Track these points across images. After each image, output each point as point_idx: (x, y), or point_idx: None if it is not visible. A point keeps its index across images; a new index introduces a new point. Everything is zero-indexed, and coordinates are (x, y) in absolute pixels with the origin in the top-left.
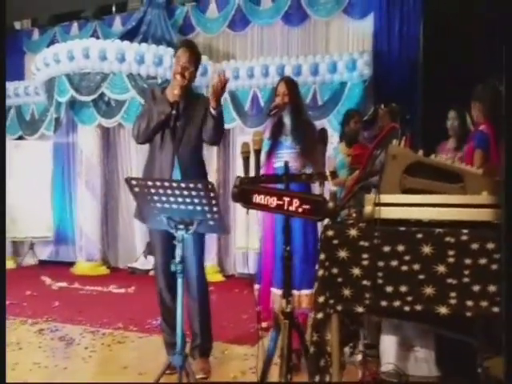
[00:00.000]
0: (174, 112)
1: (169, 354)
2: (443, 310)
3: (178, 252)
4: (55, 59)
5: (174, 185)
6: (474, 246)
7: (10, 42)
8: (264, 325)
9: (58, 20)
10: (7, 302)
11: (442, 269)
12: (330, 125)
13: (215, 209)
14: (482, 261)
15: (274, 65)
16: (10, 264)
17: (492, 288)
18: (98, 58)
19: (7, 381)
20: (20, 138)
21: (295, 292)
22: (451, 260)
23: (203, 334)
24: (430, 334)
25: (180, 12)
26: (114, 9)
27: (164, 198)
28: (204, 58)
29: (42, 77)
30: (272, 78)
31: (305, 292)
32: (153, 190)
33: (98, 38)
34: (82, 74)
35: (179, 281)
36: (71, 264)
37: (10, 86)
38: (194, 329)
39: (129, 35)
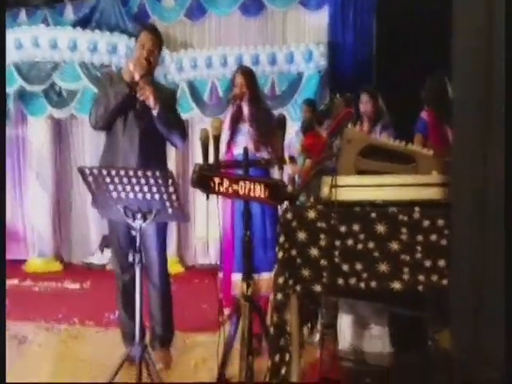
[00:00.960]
0: (134, 93)
1: (127, 346)
2: (397, 285)
3: (136, 242)
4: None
5: (131, 173)
6: (426, 223)
7: None
8: (226, 312)
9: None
10: None
11: (395, 246)
12: (288, 114)
13: (174, 197)
14: (433, 237)
15: (233, 55)
16: None
17: (441, 262)
18: (48, 46)
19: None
20: None
21: (255, 276)
22: (404, 237)
23: (164, 325)
24: (384, 312)
25: None
26: None
27: (120, 187)
28: None
29: None
30: (230, 68)
31: (264, 275)
32: (108, 179)
33: (47, 26)
34: (31, 63)
35: (137, 271)
36: (22, 262)
37: None
38: (156, 319)
39: (81, 23)
